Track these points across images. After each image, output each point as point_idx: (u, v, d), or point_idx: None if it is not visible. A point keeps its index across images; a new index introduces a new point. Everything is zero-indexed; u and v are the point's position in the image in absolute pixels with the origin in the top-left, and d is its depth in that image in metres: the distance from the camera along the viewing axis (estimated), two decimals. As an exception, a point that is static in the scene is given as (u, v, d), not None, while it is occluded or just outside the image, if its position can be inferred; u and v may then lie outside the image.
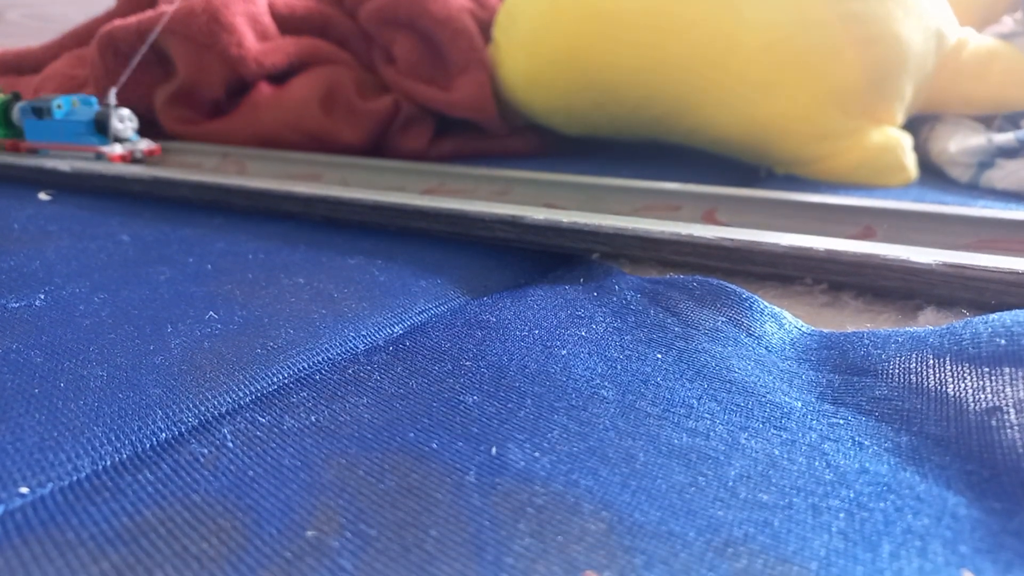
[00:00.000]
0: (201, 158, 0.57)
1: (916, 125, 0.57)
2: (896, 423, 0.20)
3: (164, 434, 0.20)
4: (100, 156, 0.53)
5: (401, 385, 0.22)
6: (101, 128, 0.53)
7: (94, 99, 0.57)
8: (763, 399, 0.21)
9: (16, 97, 0.58)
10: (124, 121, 0.54)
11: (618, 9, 0.52)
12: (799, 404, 0.21)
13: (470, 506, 0.17)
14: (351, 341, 0.25)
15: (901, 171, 0.50)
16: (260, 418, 0.20)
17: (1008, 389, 0.19)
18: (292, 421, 0.20)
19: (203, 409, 0.21)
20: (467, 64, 0.62)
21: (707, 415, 0.20)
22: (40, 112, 0.55)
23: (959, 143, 0.53)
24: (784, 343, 0.25)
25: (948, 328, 0.23)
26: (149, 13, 0.61)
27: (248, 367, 0.23)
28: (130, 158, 0.54)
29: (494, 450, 0.19)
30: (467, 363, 0.24)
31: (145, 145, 0.56)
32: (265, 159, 0.56)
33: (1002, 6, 0.63)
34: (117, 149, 0.53)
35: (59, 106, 0.55)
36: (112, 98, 0.55)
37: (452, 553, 0.15)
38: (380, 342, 0.26)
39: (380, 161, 0.52)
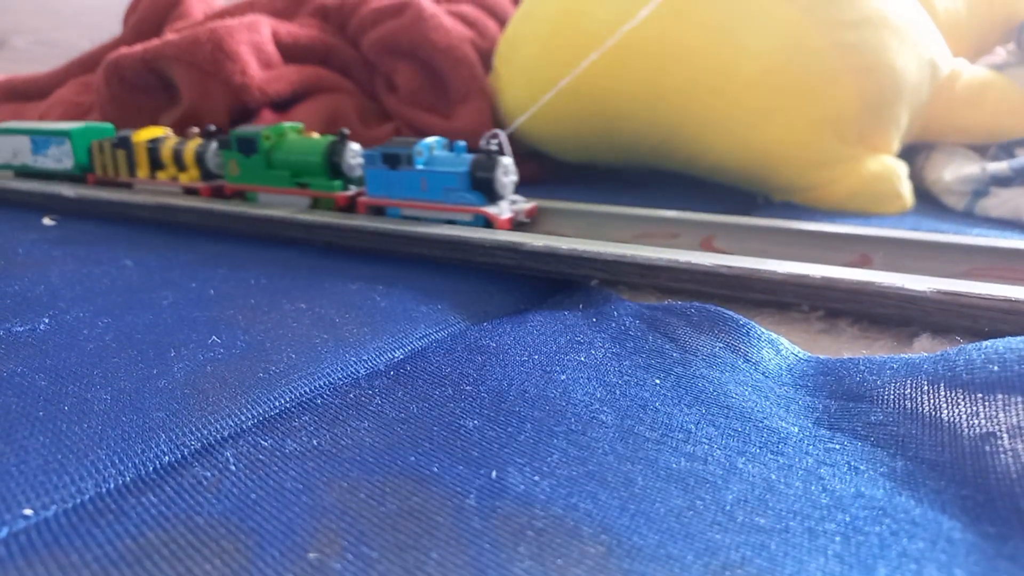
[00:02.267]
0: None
1: (912, 154, 0.58)
2: (892, 448, 0.20)
3: (167, 457, 0.20)
4: (481, 220, 0.39)
5: (402, 409, 0.23)
6: (481, 183, 0.39)
7: (462, 144, 0.42)
8: (760, 424, 0.22)
9: (343, 138, 0.44)
10: (508, 174, 0.40)
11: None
12: (796, 429, 0.21)
13: (470, 529, 0.17)
14: (352, 366, 0.26)
15: (897, 199, 0.50)
16: (263, 441, 0.21)
17: (1001, 415, 0.20)
18: (294, 444, 0.21)
19: (206, 432, 0.21)
20: (468, 92, 0.63)
21: (705, 440, 0.21)
22: (394, 160, 0.41)
23: (954, 172, 0.53)
24: (781, 369, 0.26)
25: (942, 355, 0.23)
26: (155, 41, 0.62)
27: (250, 391, 0.23)
28: (513, 222, 0.40)
29: (494, 474, 0.19)
30: (467, 388, 0.24)
31: (526, 204, 0.42)
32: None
33: (995, 37, 0.64)
34: (505, 212, 0.39)
35: (419, 152, 0.41)
36: (503, 142, 0.41)
37: (453, 575, 0.15)
38: (381, 367, 0.26)
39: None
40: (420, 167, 0.40)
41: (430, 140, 0.42)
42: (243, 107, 0.62)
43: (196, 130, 0.51)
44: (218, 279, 0.36)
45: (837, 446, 0.21)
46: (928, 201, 0.55)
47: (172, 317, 0.30)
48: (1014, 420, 0.19)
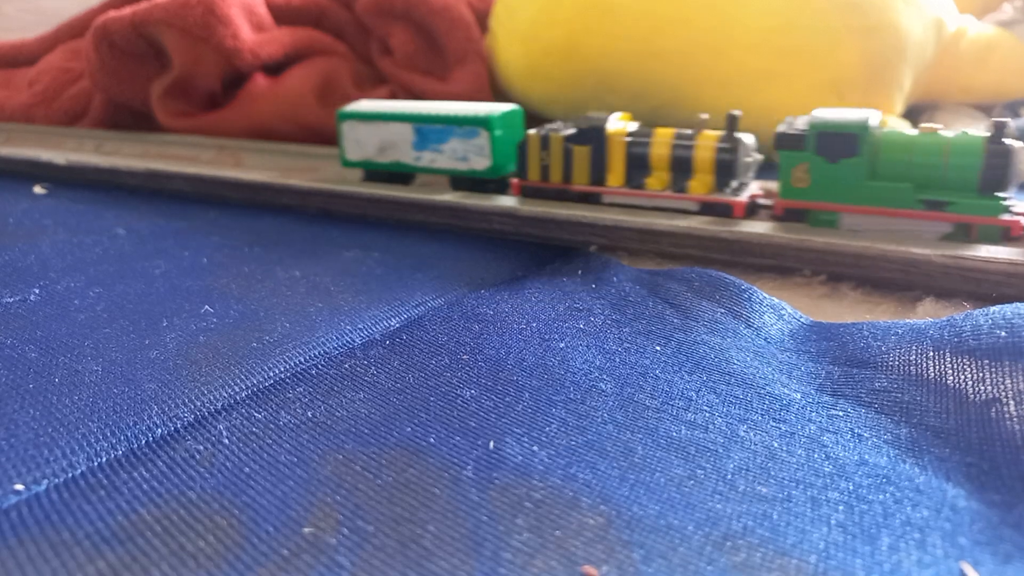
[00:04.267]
0: (197, 151, 0.57)
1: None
2: (895, 415, 0.20)
3: (160, 430, 0.20)
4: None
5: (398, 379, 0.22)
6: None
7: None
8: (762, 391, 0.21)
9: (1003, 128, 0.28)
10: None
11: (615, -1, 0.52)
12: (798, 396, 0.21)
13: (468, 501, 0.16)
14: (348, 335, 0.25)
15: (900, 160, 0.50)
16: (256, 414, 0.20)
17: (1008, 381, 0.19)
18: (288, 416, 0.20)
19: (199, 404, 0.21)
20: (464, 55, 0.61)
21: (706, 407, 0.20)
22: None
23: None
24: (783, 334, 0.25)
25: (948, 320, 0.23)
26: (143, 4, 0.61)
27: (244, 361, 0.23)
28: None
29: (492, 444, 0.19)
30: (464, 357, 0.23)
31: None
32: (261, 151, 0.56)
33: (1001, -6, 0.63)
34: None
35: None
36: None
37: (450, 548, 0.15)
38: (377, 336, 0.26)
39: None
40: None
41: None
42: (235, 71, 0.61)
43: (705, 116, 0.36)
44: (211, 247, 0.35)
45: (840, 413, 0.20)
46: (931, 162, 0.54)
47: (164, 286, 0.30)
48: (1021, 386, 0.19)
